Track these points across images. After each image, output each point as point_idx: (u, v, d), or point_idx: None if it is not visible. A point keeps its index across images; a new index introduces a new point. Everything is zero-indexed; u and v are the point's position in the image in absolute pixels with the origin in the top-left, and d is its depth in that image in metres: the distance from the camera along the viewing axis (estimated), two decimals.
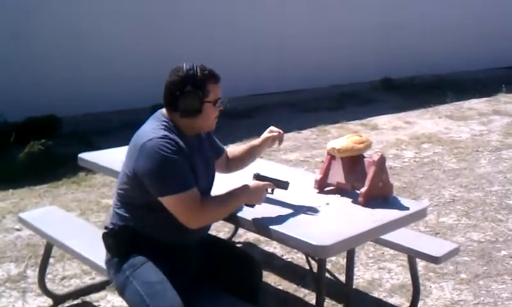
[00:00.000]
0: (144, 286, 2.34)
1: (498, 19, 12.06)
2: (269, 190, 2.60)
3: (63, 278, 3.66)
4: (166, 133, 2.33)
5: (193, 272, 2.51)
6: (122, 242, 2.43)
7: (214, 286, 2.59)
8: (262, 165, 3.00)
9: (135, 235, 2.42)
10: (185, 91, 2.36)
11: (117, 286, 2.49)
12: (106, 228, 2.50)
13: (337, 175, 2.87)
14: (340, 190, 2.86)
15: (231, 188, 2.47)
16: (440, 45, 11.17)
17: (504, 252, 4.11)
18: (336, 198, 2.81)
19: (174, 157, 2.28)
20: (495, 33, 11.95)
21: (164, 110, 2.46)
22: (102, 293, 3.48)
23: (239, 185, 2.49)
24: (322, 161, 3.02)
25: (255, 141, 2.86)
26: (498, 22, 12.05)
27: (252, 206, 2.52)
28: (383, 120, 8.24)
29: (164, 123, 2.39)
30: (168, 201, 2.30)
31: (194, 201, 2.31)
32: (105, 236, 2.49)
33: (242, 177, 2.70)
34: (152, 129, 2.36)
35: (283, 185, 2.65)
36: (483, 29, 11.80)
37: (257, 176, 2.60)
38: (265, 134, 2.84)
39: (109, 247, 2.49)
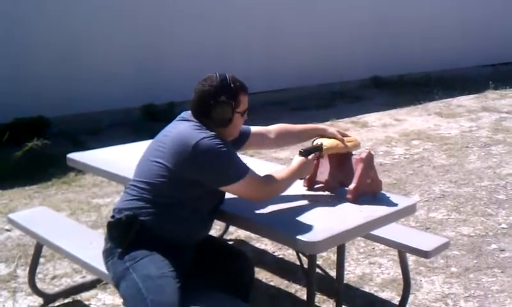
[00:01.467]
0: (143, 279, 2.33)
1: (486, 18, 12.14)
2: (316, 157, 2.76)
3: (54, 277, 3.65)
4: (212, 132, 2.41)
5: (187, 269, 2.51)
6: (128, 233, 2.41)
7: (206, 283, 2.59)
8: (251, 164, 3.02)
9: (142, 228, 2.41)
10: (220, 100, 2.44)
11: (113, 276, 2.47)
12: (113, 216, 2.49)
13: (326, 173, 2.90)
14: (329, 188, 2.88)
15: (290, 165, 2.62)
16: (429, 43, 11.24)
17: (493, 246, 4.13)
18: (325, 196, 2.82)
19: (230, 149, 2.44)
20: (482, 32, 12.04)
21: (192, 117, 2.50)
22: (92, 292, 3.46)
23: (295, 162, 2.63)
24: None
25: (311, 125, 3.00)
26: (485, 20, 12.12)
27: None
28: (372, 117, 8.27)
29: (203, 127, 2.44)
30: (236, 187, 2.43)
31: (258, 178, 2.48)
32: (111, 225, 2.48)
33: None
34: (197, 130, 2.41)
35: (319, 148, 2.78)
36: (471, 28, 11.88)
37: (303, 152, 2.68)
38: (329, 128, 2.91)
39: (113, 237, 2.47)
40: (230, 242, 4.18)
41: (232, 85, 2.46)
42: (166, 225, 2.43)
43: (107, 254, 2.50)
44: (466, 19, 11.79)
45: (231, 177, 2.41)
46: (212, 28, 8.48)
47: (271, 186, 2.52)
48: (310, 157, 2.68)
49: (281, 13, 9.26)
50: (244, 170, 2.43)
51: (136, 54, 7.74)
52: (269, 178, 2.51)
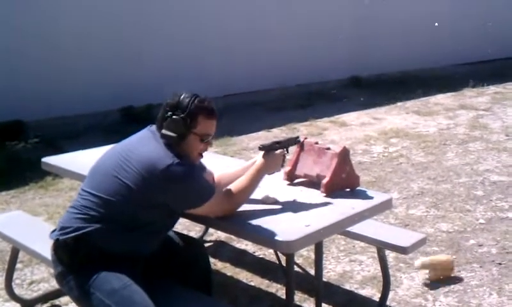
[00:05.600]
0: (108, 294, 2.28)
1: (463, 17, 12.26)
2: (285, 152, 2.70)
3: (31, 283, 3.60)
4: (176, 159, 2.33)
5: (142, 274, 2.46)
6: (77, 255, 2.34)
7: (167, 281, 2.59)
8: (230, 164, 3.01)
9: (91, 248, 2.33)
10: (175, 114, 2.39)
11: (76, 300, 2.42)
12: (57, 237, 2.38)
13: (305, 167, 2.92)
14: (308, 182, 2.91)
15: (249, 170, 2.57)
16: (407, 42, 11.33)
17: (472, 241, 4.16)
18: (304, 192, 2.83)
19: (196, 171, 2.41)
20: (458, 30, 12.15)
21: (157, 133, 2.45)
22: None
23: (254, 164, 2.60)
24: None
25: (249, 162, 2.82)
26: (462, 19, 12.24)
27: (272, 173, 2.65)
28: (351, 117, 8.31)
29: (167, 147, 2.38)
30: (202, 209, 2.40)
31: (222, 197, 2.45)
32: (58, 248, 2.38)
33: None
34: (163, 152, 2.35)
35: (294, 141, 2.78)
36: (448, 27, 11.98)
37: (264, 147, 2.62)
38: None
39: (62, 261, 2.38)
40: (209, 243, 4.17)
41: (192, 103, 2.40)
42: (118, 243, 2.36)
43: (61, 278, 2.42)
44: (444, 18, 11.89)
45: (197, 201, 2.38)
46: (192, 30, 8.46)
47: (236, 198, 2.48)
48: (277, 151, 2.64)
49: (260, 14, 9.28)
50: (209, 192, 2.39)
51: (114, 56, 7.69)
52: (231, 192, 2.47)
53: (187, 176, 2.32)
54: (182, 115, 2.38)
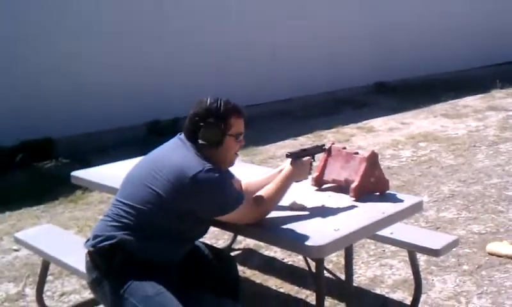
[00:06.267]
0: (142, 300, 2.30)
1: (489, 17, 12.10)
2: (312, 159, 2.71)
3: (62, 294, 3.63)
4: (208, 164, 2.36)
5: (175, 282, 2.49)
6: (112, 261, 2.36)
7: (198, 290, 2.60)
8: (257, 172, 3.01)
9: (126, 255, 2.36)
10: (208, 122, 2.41)
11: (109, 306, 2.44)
12: (94, 245, 2.41)
13: (333, 172, 2.92)
14: (336, 187, 2.89)
15: (277, 177, 2.58)
16: (432, 45, 11.21)
17: (505, 242, 4.07)
18: (332, 197, 2.81)
19: (226, 179, 2.42)
20: (485, 31, 11.99)
21: (187, 141, 2.47)
22: None
23: (281, 172, 2.61)
24: None
25: (276, 170, 2.81)
26: (489, 20, 12.09)
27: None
28: (378, 122, 8.24)
29: (199, 154, 2.42)
30: (231, 216, 2.41)
31: (251, 205, 2.44)
32: (94, 254, 2.41)
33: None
34: (193, 159, 2.38)
35: (319, 150, 2.79)
36: (474, 28, 11.84)
37: (291, 155, 2.63)
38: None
39: (97, 266, 2.40)
40: (238, 251, 4.16)
41: (221, 107, 2.43)
42: (150, 250, 2.38)
43: (95, 285, 2.44)
44: (469, 20, 11.75)
45: (226, 208, 2.39)
46: (212, 42, 8.49)
47: (265, 205, 2.48)
48: (304, 159, 2.65)
49: (282, 24, 9.27)
50: (238, 199, 2.40)
51: (137, 73, 7.75)
52: (260, 199, 2.48)
53: (216, 183, 2.34)
54: (214, 121, 2.42)
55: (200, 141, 2.41)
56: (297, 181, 2.63)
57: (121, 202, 2.44)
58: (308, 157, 2.67)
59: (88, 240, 2.51)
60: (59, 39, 7.09)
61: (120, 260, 2.35)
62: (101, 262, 2.39)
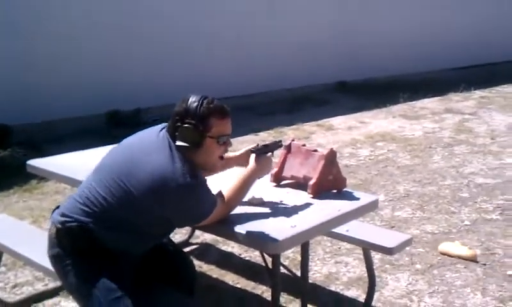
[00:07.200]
0: (105, 296, 2.30)
1: (447, 22, 12.34)
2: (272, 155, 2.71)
3: (15, 286, 3.57)
4: (186, 169, 2.27)
5: (138, 272, 2.48)
6: (78, 243, 2.32)
7: (155, 284, 2.58)
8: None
9: (92, 240, 2.32)
10: (186, 121, 2.31)
11: (68, 286, 2.43)
12: (62, 224, 2.35)
13: (292, 169, 2.93)
14: (294, 184, 2.91)
15: (240, 175, 2.54)
16: (393, 47, 11.36)
17: (457, 242, 4.17)
18: (290, 193, 2.83)
19: (203, 186, 2.35)
20: (444, 35, 12.23)
21: (170, 140, 2.37)
22: (55, 299, 3.40)
23: (247, 168, 2.57)
24: None
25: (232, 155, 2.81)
26: (447, 25, 12.32)
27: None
28: (338, 121, 8.33)
29: (179, 158, 2.31)
30: (203, 223, 2.39)
31: (221, 204, 2.40)
32: (59, 231, 2.35)
33: None
34: (172, 167, 2.26)
35: (278, 146, 2.77)
36: (433, 32, 12.05)
37: (256, 151, 2.63)
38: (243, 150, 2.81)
39: (62, 245, 2.36)
40: (195, 246, 4.16)
41: (201, 107, 2.32)
42: (118, 242, 2.35)
43: (57, 261, 2.40)
44: (428, 24, 11.96)
45: (201, 218, 2.37)
46: (179, 34, 8.45)
47: (230, 203, 2.46)
48: (268, 154, 2.66)
49: (247, 20, 9.28)
50: (211, 206, 2.36)
51: (99, 60, 7.65)
52: (226, 197, 2.44)
53: (192, 197, 2.27)
54: (193, 122, 2.31)
55: (177, 142, 2.32)
56: (259, 178, 2.63)
57: (95, 189, 2.35)
58: (270, 153, 2.69)
59: (54, 210, 2.47)
60: (14, 25, 6.93)
61: (86, 245, 2.32)
62: (67, 242, 2.34)
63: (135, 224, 2.34)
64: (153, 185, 2.23)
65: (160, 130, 2.43)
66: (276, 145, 2.78)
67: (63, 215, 2.39)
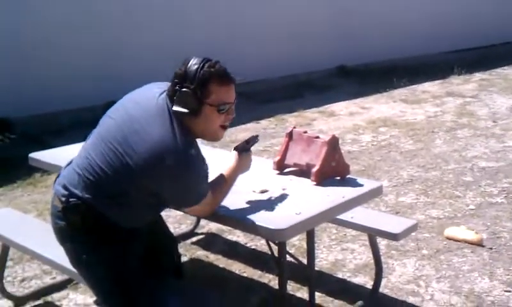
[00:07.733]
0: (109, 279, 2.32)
1: (449, 4, 12.28)
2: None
3: (23, 280, 3.58)
4: (187, 140, 2.20)
5: (142, 249, 2.45)
6: (86, 220, 2.25)
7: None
8: (220, 156, 3.00)
9: (96, 215, 2.26)
10: (184, 86, 2.18)
11: (72, 260, 2.40)
12: (66, 198, 2.27)
13: (294, 156, 2.92)
14: (297, 171, 2.90)
15: (225, 170, 2.48)
16: (393, 30, 11.31)
17: (462, 227, 4.18)
18: (293, 181, 2.83)
19: (201, 168, 2.27)
20: (445, 17, 12.17)
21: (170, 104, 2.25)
22: (63, 292, 3.41)
23: (229, 164, 2.51)
24: None
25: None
26: (449, 6, 12.26)
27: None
28: (339, 106, 8.30)
29: (178, 126, 2.21)
30: (191, 209, 2.37)
31: (210, 196, 2.33)
32: (67, 210, 2.27)
33: None
34: (172, 139, 2.17)
35: (256, 140, 2.67)
36: (434, 14, 11.99)
37: (239, 148, 2.59)
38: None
39: (69, 221, 2.29)
40: (201, 236, 4.17)
41: (202, 70, 2.18)
42: (119, 216, 2.29)
43: (63, 233, 2.35)
44: (429, 6, 11.90)
45: (190, 202, 2.31)
46: (172, 21, 8.39)
47: (216, 199, 2.40)
48: (249, 151, 2.61)
49: (244, 4, 9.23)
50: (203, 193, 2.29)
51: (96, 51, 7.62)
52: (214, 197, 2.37)
53: (190, 176, 2.20)
54: (191, 86, 2.17)
55: (174, 107, 2.19)
56: (241, 173, 2.56)
57: (92, 158, 2.27)
58: (249, 151, 2.63)
59: (56, 178, 2.43)
60: (10, 20, 6.90)
61: (91, 221, 2.26)
62: (73, 219, 2.28)
63: (135, 198, 2.26)
64: (148, 157, 2.14)
65: (160, 94, 2.30)
66: (255, 140, 2.68)
67: (65, 187, 2.32)
